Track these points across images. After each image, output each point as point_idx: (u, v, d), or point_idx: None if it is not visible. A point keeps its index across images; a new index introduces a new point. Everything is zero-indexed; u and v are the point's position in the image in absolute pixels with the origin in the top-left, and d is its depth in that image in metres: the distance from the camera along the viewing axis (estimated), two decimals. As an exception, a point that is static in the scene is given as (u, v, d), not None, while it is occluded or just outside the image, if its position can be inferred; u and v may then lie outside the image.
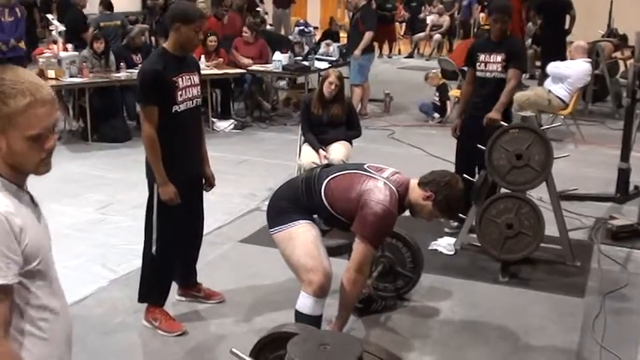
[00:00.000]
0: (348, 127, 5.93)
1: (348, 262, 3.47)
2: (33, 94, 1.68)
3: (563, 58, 9.36)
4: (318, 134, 5.87)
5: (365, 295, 4.08)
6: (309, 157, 5.79)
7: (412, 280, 4.39)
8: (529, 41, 12.53)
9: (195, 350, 3.82)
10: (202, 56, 8.73)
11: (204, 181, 4.16)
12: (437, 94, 9.68)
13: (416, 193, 3.48)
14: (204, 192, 4.19)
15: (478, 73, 5.42)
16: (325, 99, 5.81)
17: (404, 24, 19.02)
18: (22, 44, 9.51)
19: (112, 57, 8.73)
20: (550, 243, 4.94)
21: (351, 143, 5.93)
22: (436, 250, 5.17)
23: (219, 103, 9.48)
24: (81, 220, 5.69)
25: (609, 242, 5.32)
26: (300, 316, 3.44)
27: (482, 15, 15.86)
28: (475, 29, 15.74)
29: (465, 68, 6.04)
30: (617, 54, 11.38)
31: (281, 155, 7.53)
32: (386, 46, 16.44)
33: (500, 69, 5.29)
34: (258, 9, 14.10)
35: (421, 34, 16.98)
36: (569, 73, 8.41)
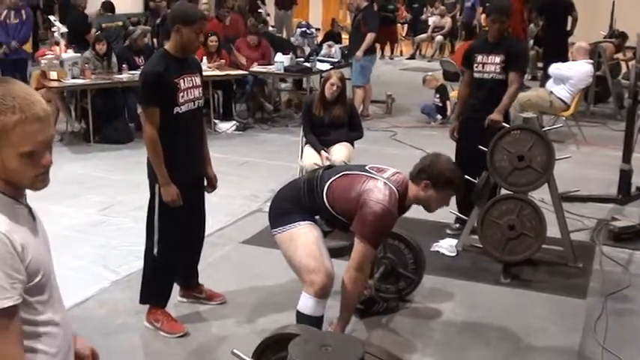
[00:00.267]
0: (350, 128, 5.93)
1: (348, 262, 3.47)
2: (24, 110, 1.63)
3: (565, 60, 9.35)
4: (320, 136, 5.87)
5: (367, 296, 4.08)
6: (310, 158, 5.79)
7: (414, 281, 4.39)
8: (531, 42, 12.53)
9: (197, 351, 3.82)
10: (204, 57, 8.74)
11: (206, 182, 4.17)
12: (437, 95, 9.69)
13: (413, 189, 3.50)
14: (205, 193, 4.20)
15: (475, 75, 5.38)
16: (327, 100, 5.81)
17: (406, 25, 19.05)
18: (28, 46, 9.50)
19: (114, 58, 8.75)
20: (552, 244, 4.93)
21: (352, 145, 5.93)
22: (438, 251, 5.17)
23: (221, 104, 9.49)
24: (82, 221, 5.69)
25: (611, 243, 5.31)
26: (301, 317, 3.45)
27: (483, 16, 15.85)
28: (478, 30, 15.73)
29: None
30: (619, 55, 11.38)
31: (283, 157, 7.54)
32: (388, 48, 16.46)
33: (498, 70, 5.26)
34: (260, 10, 14.12)
35: (423, 36, 17.00)
36: (571, 74, 8.40)
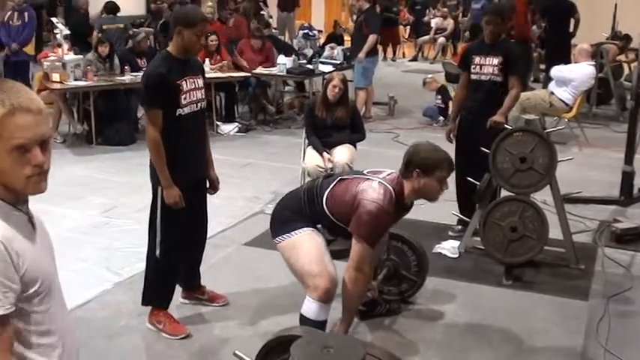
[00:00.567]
0: (353, 130, 5.93)
1: (348, 262, 3.48)
2: (12, 102, 1.59)
3: (567, 61, 9.35)
4: (323, 137, 5.87)
5: (369, 298, 4.08)
6: (313, 160, 5.79)
7: (417, 284, 4.39)
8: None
9: (199, 353, 3.83)
10: (207, 59, 8.75)
11: (208, 184, 4.17)
12: (438, 97, 9.69)
13: (408, 184, 3.50)
14: (208, 195, 4.20)
15: (473, 76, 5.37)
16: (329, 102, 5.81)
17: (408, 27, 19.02)
18: (31, 48, 9.50)
19: (116, 60, 8.77)
20: (554, 246, 4.93)
21: (355, 146, 5.93)
22: (440, 253, 5.17)
23: (223, 106, 9.50)
24: (85, 223, 5.70)
25: (613, 245, 5.31)
26: (304, 321, 3.45)
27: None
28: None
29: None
30: (622, 57, 11.37)
31: (285, 158, 7.54)
32: (390, 50, 16.45)
33: (496, 72, 5.24)
34: (262, 12, 14.14)
35: (425, 38, 16.99)
36: (573, 76, 8.40)
